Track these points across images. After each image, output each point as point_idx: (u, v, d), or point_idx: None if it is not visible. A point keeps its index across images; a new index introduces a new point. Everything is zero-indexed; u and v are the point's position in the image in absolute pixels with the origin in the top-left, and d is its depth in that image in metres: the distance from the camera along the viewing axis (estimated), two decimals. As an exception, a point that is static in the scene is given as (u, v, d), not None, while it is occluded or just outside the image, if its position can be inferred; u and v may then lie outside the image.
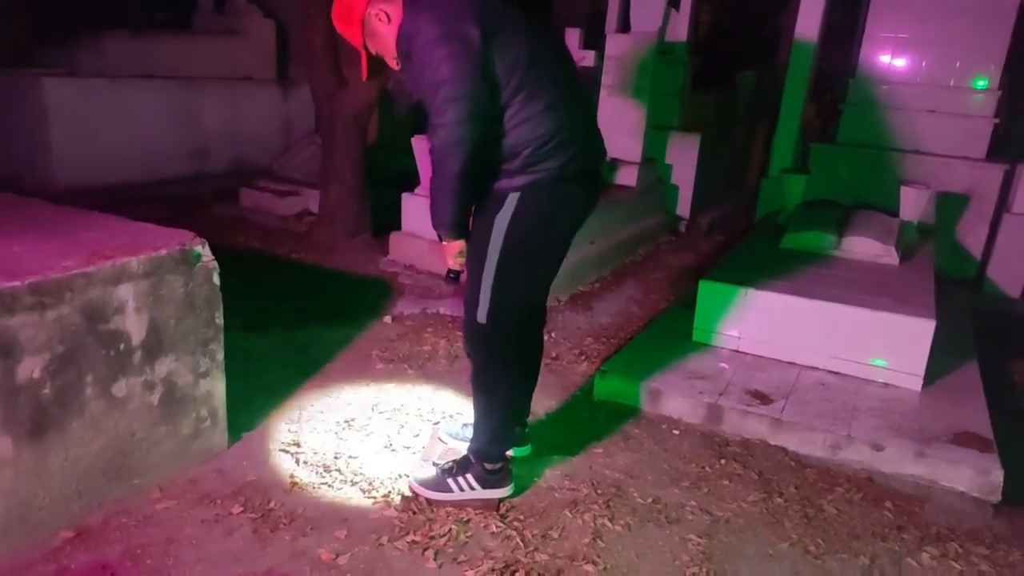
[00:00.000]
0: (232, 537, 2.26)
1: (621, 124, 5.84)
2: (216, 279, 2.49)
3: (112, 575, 2.07)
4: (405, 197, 5.03)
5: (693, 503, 2.62)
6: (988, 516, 2.69)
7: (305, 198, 6.00)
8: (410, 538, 2.30)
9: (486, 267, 2.27)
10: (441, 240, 2.32)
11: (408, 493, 2.52)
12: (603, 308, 4.61)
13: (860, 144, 6.16)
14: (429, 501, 2.47)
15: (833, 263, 4.21)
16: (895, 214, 5.12)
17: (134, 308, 2.26)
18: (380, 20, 2.23)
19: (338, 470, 2.64)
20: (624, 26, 6.37)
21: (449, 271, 2.41)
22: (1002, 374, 4.00)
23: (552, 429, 3.06)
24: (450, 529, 2.36)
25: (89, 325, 2.14)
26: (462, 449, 2.61)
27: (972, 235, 5.79)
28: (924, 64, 6.09)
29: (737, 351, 3.68)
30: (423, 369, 3.53)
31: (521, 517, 2.46)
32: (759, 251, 4.50)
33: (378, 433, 2.92)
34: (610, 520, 2.48)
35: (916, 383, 3.37)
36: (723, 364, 3.55)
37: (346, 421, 2.99)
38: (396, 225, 5.12)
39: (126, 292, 2.23)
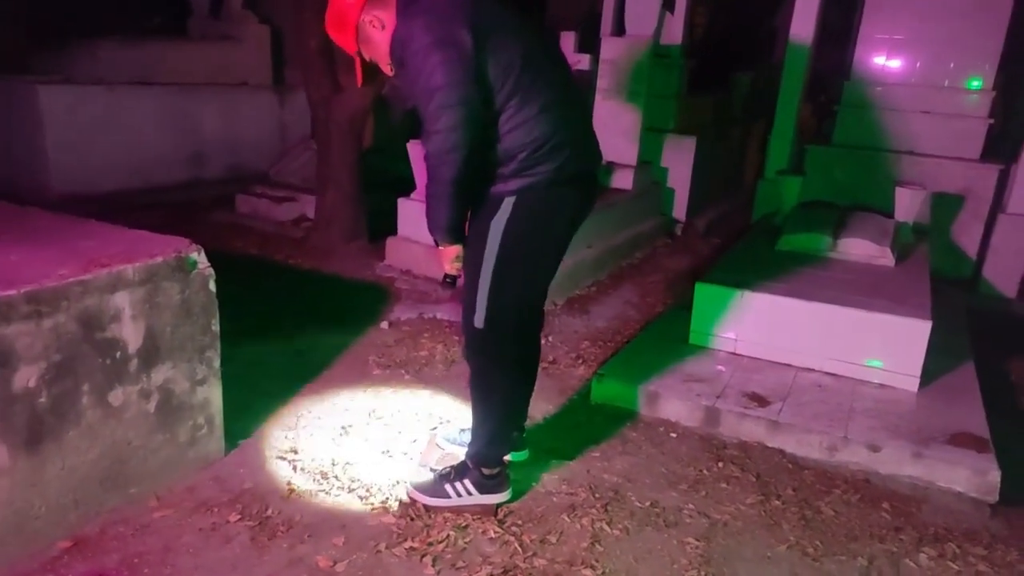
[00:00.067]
0: (230, 545, 2.25)
1: (616, 127, 5.84)
2: (212, 286, 2.49)
3: (109, 584, 2.07)
4: (401, 202, 5.03)
5: (691, 506, 2.62)
6: (985, 516, 2.69)
7: (302, 204, 5.99)
8: (408, 544, 2.30)
9: (483, 271, 2.27)
10: (438, 245, 2.32)
11: (406, 499, 2.52)
12: (600, 312, 4.62)
13: (855, 145, 6.18)
14: (427, 507, 2.47)
15: (829, 265, 4.22)
16: (891, 215, 5.13)
17: (130, 316, 2.26)
18: (374, 27, 2.23)
19: (335, 477, 2.64)
20: (619, 29, 6.37)
21: (446, 276, 2.41)
22: (999, 374, 4.01)
23: (549, 433, 3.06)
24: (448, 535, 2.36)
25: (85, 333, 2.14)
26: (460, 454, 2.61)
27: (967, 235, 5.81)
28: (918, 65, 6.10)
29: (734, 353, 3.69)
30: (420, 374, 3.53)
31: (519, 522, 2.46)
32: (755, 253, 4.51)
33: (375, 439, 2.92)
34: (608, 524, 2.48)
35: (913, 384, 3.38)
36: (720, 367, 3.55)
37: (343, 427, 2.99)
38: (392, 230, 5.12)
39: (122, 300, 2.23)
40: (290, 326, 3.94)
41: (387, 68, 2.28)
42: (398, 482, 2.62)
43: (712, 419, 3.17)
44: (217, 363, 2.58)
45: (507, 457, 2.57)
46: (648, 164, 6.38)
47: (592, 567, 2.27)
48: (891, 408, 3.21)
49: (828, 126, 6.69)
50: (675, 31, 6.98)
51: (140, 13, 8.70)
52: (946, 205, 5.75)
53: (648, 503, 2.62)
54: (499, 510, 2.49)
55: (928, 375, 3.39)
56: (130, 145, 6.58)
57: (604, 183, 5.78)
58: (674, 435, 3.13)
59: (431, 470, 2.62)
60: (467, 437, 2.60)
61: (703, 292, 3.72)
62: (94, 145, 6.32)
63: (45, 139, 6.06)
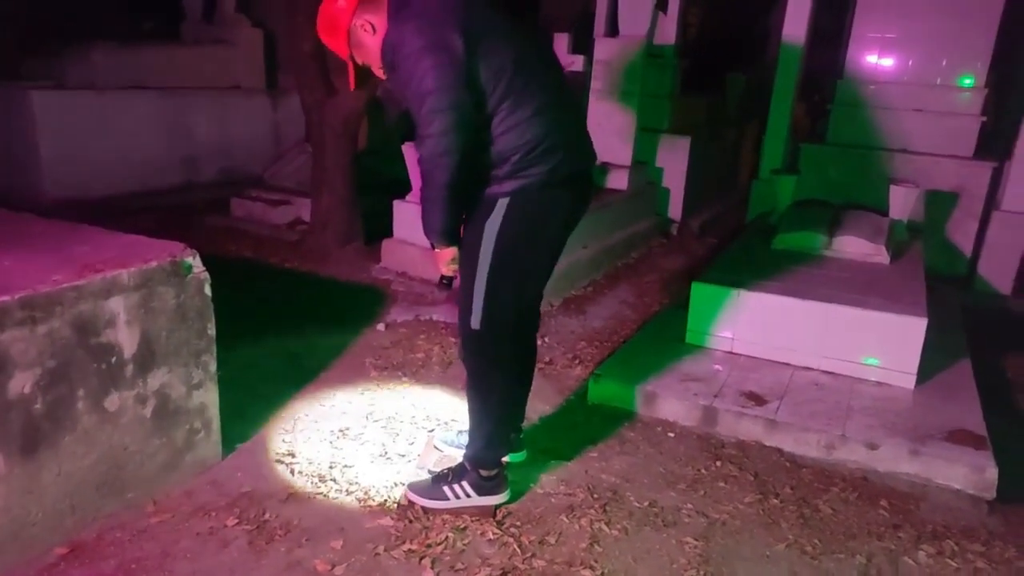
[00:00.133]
0: (227, 549, 2.24)
1: (611, 128, 5.85)
2: (208, 290, 2.49)
3: (107, 590, 2.06)
4: (396, 204, 5.03)
5: (689, 506, 2.62)
6: (983, 513, 2.70)
7: (297, 207, 5.99)
8: (407, 547, 2.30)
9: (478, 273, 2.27)
10: (433, 248, 2.32)
11: (404, 502, 2.51)
12: (596, 312, 4.62)
13: (849, 144, 6.19)
14: (425, 509, 2.47)
15: (824, 263, 4.23)
16: (885, 213, 5.14)
17: (125, 321, 2.25)
18: (365, 31, 2.23)
19: (333, 479, 2.63)
20: (612, 30, 6.38)
21: (442, 278, 2.42)
22: (995, 371, 4.02)
23: (547, 434, 3.06)
24: (447, 537, 2.35)
25: (80, 339, 2.13)
26: (457, 456, 2.61)
27: (962, 233, 5.82)
28: (911, 63, 6.12)
29: (731, 352, 3.69)
30: (417, 376, 3.53)
31: (518, 523, 2.46)
32: (751, 252, 4.51)
33: (373, 442, 2.91)
34: (607, 524, 2.47)
35: (909, 381, 3.38)
36: (717, 366, 3.56)
37: (341, 430, 2.98)
38: (388, 232, 5.12)
39: (117, 305, 2.22)
40: (286, 329, 3.93)
41: (379, 72, 2.28)
42: (396, 485, 2.62)
43: (710, 418, 3.17)
44: (213, 367, 2.58)
45: (505, 458, 2.57)
46: (643, 164, 6.39)
47: (591, 567, 2.26)
48: (888, 406, 3.21)
49: (822, 125, 6.71)
50: (668, 31, 7.01)
51: (133, 18, 8.69)
52: (940, 203, 5.77)
53: (646, 503, 2.62)
54: (497, 511, 2.49)
55: (925, 373, 3.39)
56: (124, 149, 6.57)
57: (599, 183, 5.79)
58: (672, 435, 3.13)
59: (429, 472, 2.62)
60: (465, 439, 2.59)
61: (699, 291, 3.73)
62: (88, 150, 6.31)
63: (39, 144, 6.05)
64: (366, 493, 2.56)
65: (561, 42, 6.93)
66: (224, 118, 7.36)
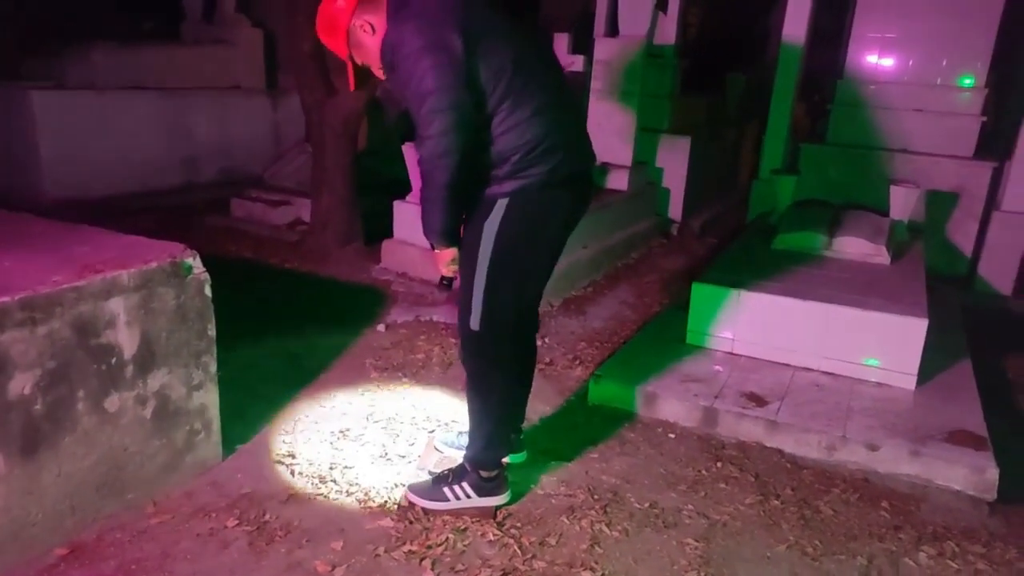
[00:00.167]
0: (227, 550, 2.24)
1: (611, 128, 5.84)
2: (208, 291, 2.48)
3: (107, 591, 2.06)
4: (396, 205, 5.03)
5: (690, 507, 2.62)
6: (984, 514, 2.69)
7: (297, 207, 5.99)
8: (407, 548, 2.29)
9: (477, 273, 2.27)
10: (433, 248, 2.32)
11: (404, 503, 2.51)
12: (596, 312, 4.61)
13: (849, 144, 6.19)
14: (425, 510, 2.46)
15: (825, 263, 4.23)
16: (885, 213, 5.14)
17: (125, 322, 2.25)
18: (365, 31, 2.22)
19: (333, 480, 2.63)
20: (612, 30, 6.38)
21: (442, 278, 2.42)
22: (995, 371, 4.02)
23: (547, 435, 3.06)
24: (447, 538, 2.35)
25: (80, 340, 2.13)
26: (458, 458, 2.61)
27: (962, 233, 5.82)
28: (911, 63, 6.12)
29: (731, 353, 3.69)
30: (417, 377, 3.52)
31: (518, 524, 2.45)
32: (751, 253, 4.51)
33: (373, 443, 2.91)
34: (607, 526, 2.47)
35: (910, 382, 3.38)
36: (717, 366, 3.55)
37: (341, 431, 2.98)
38: (388, 232, 5.11)
39: (117, 306, 2.22)
40: (286, 330, 3.93)
41: (379, 72, 2.28)
42: (396, 486, 2.62)
43: (710, 419, 3.17)
44: (213, 368, 2.57)
45: (505, 459, 2.57)
46: (643, 164, 6.38)
47: (592, 569, 2.26)
48: (889, 407, 3.21)
49: (822, 125, 6.71)
50: (668, 31, 7.00)
51: (133, 18, 8.68)
52: (940, 203, 5.77)
53: (647, 504, 2.61)
54: (498, 512, 2.49)
55: (925, 373, 3.39)
56: (124, 150, 6.57)
57: (599, 184, 5.79)
58: (672, 436, 3.13)
59: (429, 473, 2.61)
60: (465, 440, 2.59)
61: (700, 292, 3.72)
62: (88, 150, 6.31)
63: (39, 144, 6.05)
64: (366, 494, 2.56)
65: (561, 42, 6.92)
66: (224, 118, 7.36)
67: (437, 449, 2.85)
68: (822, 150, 6.26)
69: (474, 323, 2.31)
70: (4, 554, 2.07)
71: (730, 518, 2.57)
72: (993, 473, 2.72)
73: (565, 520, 2.49)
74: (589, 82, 6.01)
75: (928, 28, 5.96)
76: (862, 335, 3.45)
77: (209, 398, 2.58)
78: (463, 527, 2.41)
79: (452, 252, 2.30)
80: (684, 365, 3.54)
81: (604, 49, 5.90)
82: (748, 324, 3.65)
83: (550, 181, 2.22)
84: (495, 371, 2.40)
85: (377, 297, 4.60)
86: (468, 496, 2.45)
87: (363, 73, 2.35)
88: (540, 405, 3.27)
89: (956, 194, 5.77)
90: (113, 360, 2.24)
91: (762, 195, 6.35)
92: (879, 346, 3.42)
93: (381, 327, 4.08)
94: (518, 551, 2.31)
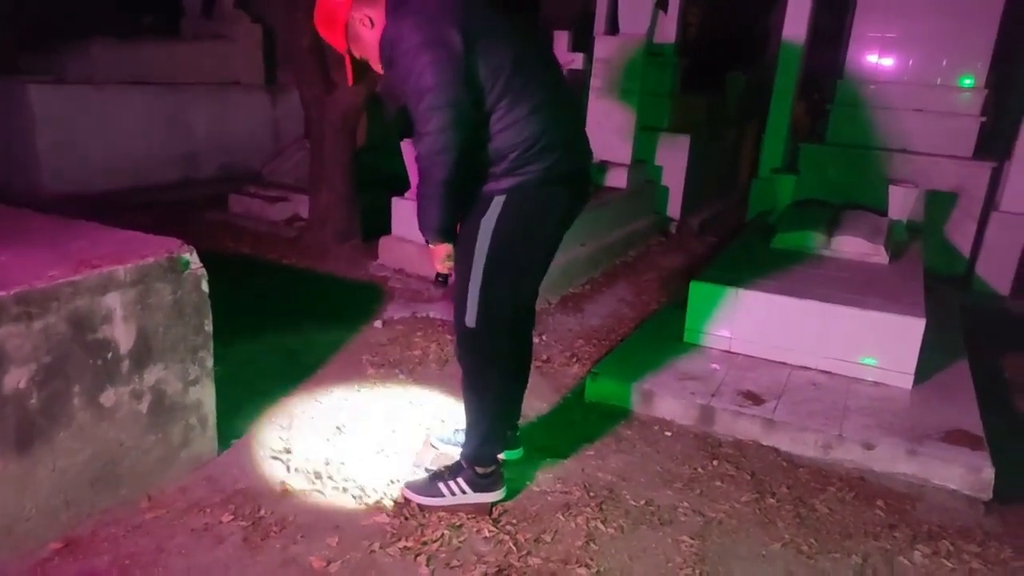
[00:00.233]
0: (222, 546, 2.24)
1: (611, 126, 5.85)
2: (205, 286, 2.48)
3: (101, 586, 2.05)
4: (395, 201, 5.02)
5: (686, 504, 2.62)
6: (979, 514, 2.70)
7: (295, 203, 5.98)
8: (402, 544, 2.29)
9: (473, 270, 2.26)
10: (428, 244, 2.32)
11: (400, 499, 2.51)
12: (594, 310, 4.61)
13: (849, 144, 6.19)
14: (421, 506, 2.46)
15: (823, 263, 4.22)
16: (884, 213, 5.14)
17: (122, 317, 2.24)
18: (363, 25, 2.22)
19: (329, 476, 2.63)
20: (612, 28, 6.38)
21: (437, 275, 2.41)
22: (992, 371, 4.02)
23: (544, 432, 3.06)
24: (443, 534, 2.35)
25: (76, 334, 2.13)
26: (454, 454, 2.61)
27: (960, 233, 5.82)
28: (911, 63, 6.12)
29: (728, 351, 3.69)
30: (414, 374, 3.52)
31: (514, 521, 2.45)
32: (750, 251, 4.51)
33: (369, 439, 2.91)
34: (603, 523, 2.47)
35: (907, 381, 3.38)
36: (714, 365, 3.55)
37: (337, 427, 2.98)
38: (386, 229, 5.11)
39: (113, 301, 2.21)
40: (284, 325, 3.93)
41: (377, 66, 2.27)
42: (392, 482, 2.62)
43: (707, 417, 3.17)
44: (210, 363, 2.57)
45: (501, 456, 2.56)
46: (642, 163, 6.38)
47: (587, 566, 2.26)
48: (885, 406, 3.21)
49: (822, 125, 6.71)
50: (668, 30, 7.00)
51: (133, 16, 8.67)
52: (939, 203, 5.77)
53: (643, 501, 2.61)
54: (493, 509, 2.49)
55: (922, 373, 3.39)
56: (123, 145, 6.56)
57: (598, 182, 5.79)
58: (669, 433, 3.13)
59: (426, 470, 2.61)
60: (461, 437, 2.59)
61: (698, 290, 3.72)
62: (86, 145, 6.31)
63: (37, 139, 6.05)
64: (362, 490, 2.56)
65: (561, 40, 6.91)
66: (223, 114, 7.35)
67: (433, 446, 2.85)
68: (821, 150, 6.26)
69: (470, 320, 2.31)
70: (-2, 548, 2.07)
71: (726, 516, 2.57)
72: (989, 473, 2.72)
73: (561, 517, 2.49)
74: (589, 80, 6.00)
75: (928, 28, 5.96)
76: (860, 334, 3.45)
77: (205, 393, 2.58)
78: (459, 523, 2.41)
79: (447, 248, 2.30)
80: (681, 363, 3.54)
81: (604, 47, 5.90)
82: (746, 323, 3.65)
83: (547, 178, 2.22)
84: (491, 368, 2.40)
85: (374, 293, 4.60)
86: (464, 492, 2.45)
87: (361, 67, 2.35)
88: (537, 402, 3.27)
89: (955, 194, 5.77)
90: (109, 355, 2.23)
91: (761, 194, 6.36)
92: (877, 345, 3.42)
93: (378, 323, 4.08)
94: (513, 547, 2.31)
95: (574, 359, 3.82)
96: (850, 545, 2.46)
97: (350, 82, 2.41)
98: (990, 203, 5.66)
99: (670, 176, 6.79)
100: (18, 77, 6.34)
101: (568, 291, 4.86)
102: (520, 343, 2.54)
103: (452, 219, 2.25)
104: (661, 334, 3.88)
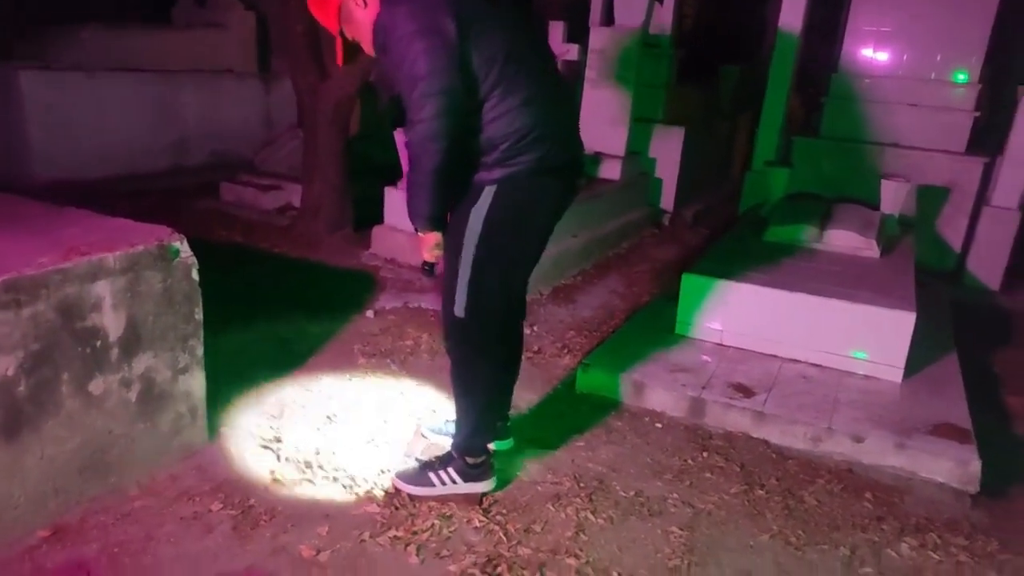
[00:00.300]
0: (212, 534, 2.24)
1: (605, 117, 5.84)
2: (195, 275, 2.47)
3: (88, 574, 2.05)
4: (388, 191, 5.00)
5: (675, 496, 2.63)
6: (967, 507, 2.71)
7: (287, 192, 5.96)
8: (392, 533, 2.30)
9: (462, 260, 2.26)
10: (417, 232, 2.31)
11: (390, 488, 2.51)
12: (586, 301, 4.61)
13: (842, 138, 6.20)
14: (411, 496, 2.47)
15: (815, 256, 4.24)
16: (876, 207, 5.15)
17: (111, 305, 2.23)
18: (357, 5, 2.21)
19: (319, 466, 2.63)
20: (608, 19, 6.36)
21: (424, 263, 2.39)
22: (982, 366, 4.04)
23: (534, 423, 3.06)
24: (433, 524, 2.35)
25: (65, 322, 2.12)
26: (445, 445, 2.61)
27: (952, 228, 5.84)
28: (905, 58, 6.12)
29: (720, 344, 3.70)
30: (405, 364, 3.52)
31: (504, 511, 2.46)
32: (742, 244, 4.52)
33: (360, 428, 2.91)
34: (592, 513, 2.48)
35: (897, 375, 3.40)
36: (706, 357, 3.56)
37: (328, 416, 2.97)
38: (378, 218, 5.09)
39: (103, 289, 2.20)
40: (275, 314, 3.92)
41: (369, 48, 2.26)
42: (383, 471, 2.62)
43: (697, 409, 3.17)
44: (200, 352, 2.56)
45: (491, 446, 2.57)
46: (636, 154, 6.38)
47: (576, 556, 2.27)
48: (875, 399, 3.23)
49: (816, 118, 6.71)
50: (664, 21, 6.98)
51: (124, 1, 8.61)
52: (931, 198, 5.78)
53: (632, 492, 2.62)
54: (484, 499, 2.49)
55: (912, 366, 3.40)
56: (114, 132, 6.52)
57: (591, 173, 5.78)
58: (659, 425, 3.14)
59: (416, 460, 2.61)
60: (452, 427, 2.59)
61: (690, 282, 3.73)
62: (78, 132, 6.26)
63: (27, 125, 6.00)
64: (352, 480, 2.56)
65: (556, 31, 6.88)
66: (216, 102, 7.31)
67: (424, 436, 2.85)
68: (815, 143, 6.26)
69: (459, 310, 2.31)
70: (-14, 535, 2.06)
71: (715, 507, 2.58)
72: (976, 466, 2.74)
73: (550, 507, 2.49)
74: (584, 71, 5.99)
75: (924, 22, 5.96)
76: (851, 327, 3.46)
77: (195, 382, 2.57)
78: (449, 513, 2.41)
79: (436, 237, 2.29)
80: (672, 355, 3.55)
81: (599, 38, 5.89)
82: (737, 315, 3.66)
83: (538, 169, 2.22)
84: (480, 358, 2.40)
85: (366, 283, 4.59)
86: (454, 482, 2.46)
87: (352, 49, 2.33)
88: (527, 393, 3.27)
89: (947, 189, 5.78)
90: (98, 343, 2.22)
91: (755, 187, 6.36)
92: (867, 339, 3.43)
93: (370, 313, 4.07)
94: (503, 537, 2.32)
95: (565, 350, 3.82)
96: (838, 537, 2.47)
97: (339, 62, 2.40)
98: (982, 198, 5.68)
99: (664, 168, 6.79)
100: (9, 62, 6.28)
101: (560, 282, 4.86)
102: (510, 334, 2.53)
103: (442, 207, 2.23)
104: (653, 326, 3.88)
